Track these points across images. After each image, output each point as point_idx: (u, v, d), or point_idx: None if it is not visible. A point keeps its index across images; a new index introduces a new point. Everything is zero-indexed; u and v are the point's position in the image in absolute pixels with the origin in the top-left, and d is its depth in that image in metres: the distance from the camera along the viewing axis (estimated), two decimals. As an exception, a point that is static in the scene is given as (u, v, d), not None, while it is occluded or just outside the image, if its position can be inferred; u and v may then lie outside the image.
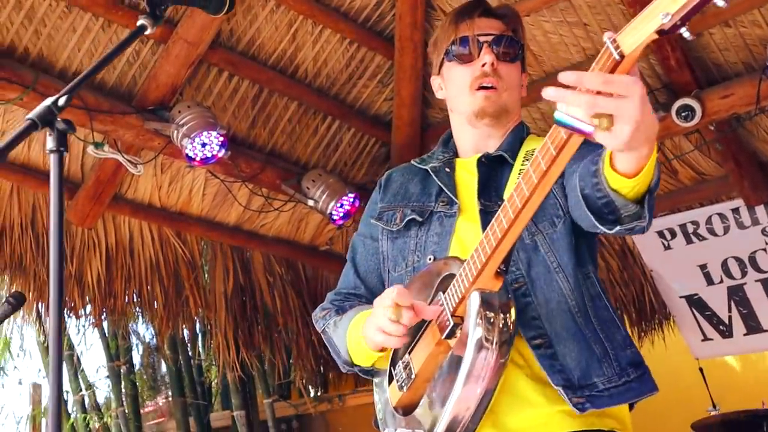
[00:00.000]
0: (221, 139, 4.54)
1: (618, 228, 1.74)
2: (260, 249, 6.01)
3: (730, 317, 6.18)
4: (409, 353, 1.95)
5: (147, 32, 1.97)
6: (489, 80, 2.14)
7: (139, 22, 1.98)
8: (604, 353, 1.96)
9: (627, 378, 1.96)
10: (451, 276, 1.86)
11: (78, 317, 5.50)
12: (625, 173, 1.61)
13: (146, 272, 5.53)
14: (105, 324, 6.88)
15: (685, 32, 1.34)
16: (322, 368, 6.77)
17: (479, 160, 2.17)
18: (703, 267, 6.16)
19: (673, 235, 6.13)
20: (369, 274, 2.25)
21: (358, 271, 2.28)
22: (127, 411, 7.37)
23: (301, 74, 5.28)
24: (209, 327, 6.12)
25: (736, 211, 5.91)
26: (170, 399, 7.66)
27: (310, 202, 5.29)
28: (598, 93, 1.40)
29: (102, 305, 5.41)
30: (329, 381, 7.61)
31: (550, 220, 2.03)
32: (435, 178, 2.20)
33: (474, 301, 1.76)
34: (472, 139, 2.24)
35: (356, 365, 2.12)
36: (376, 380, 2.12)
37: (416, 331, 1.95)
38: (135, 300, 5.57)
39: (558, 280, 2.00)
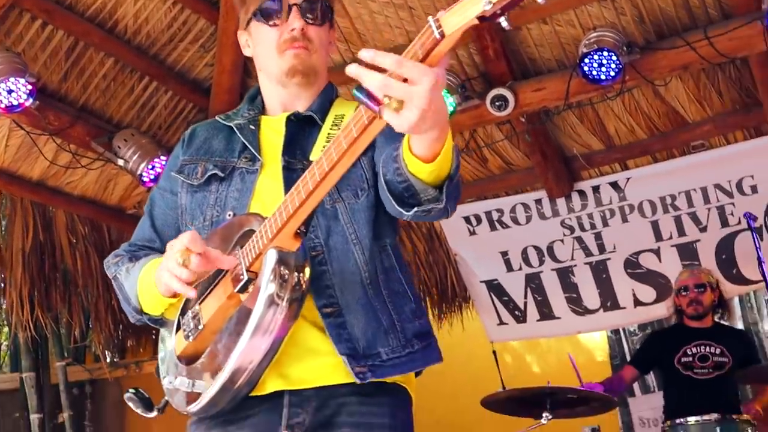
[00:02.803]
0: (29, 87, 4.30)
1: (415, 210, 1.74)
2: (64, 207, 5.72)
3: (525, 303, 6.34)
4: (200, 304, 1.90)
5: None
6: (297, 44, 2.09)
7: None
8: (391, 325, 1.96)
9: (411, 349, 1.96)
10: (251, 232, 1.83)
11: None
12: (421, 157, 1.63)
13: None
14: None
15: (503, 21, 1.35)
16: (120, 334, 6.55)
17: (288, 118, 2.12)
18: (504, 254, 6.29)
19: (479, 221, 6.24)
20: (166, 228, 2.16)
21: (154, 224, 2.19)
22: None
23: (120, 30, 5.04)
24: (3, 284, 5.80)
25: (539, 202, 6.09)
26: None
27: (120, 162, 5.08)
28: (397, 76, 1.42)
29: None
30: (127, 347, 7.39)
31: (353, 190, 2.01)
32: (239, 134, 2.14)
33: (270, 258, 1.74)
34: (281, 98, 2.19)
35: (145, 313, 2.04)
36: (162, 331, 2.06)
37: (210, 283, 1.91)
38: None
39: (354, 252, 1.98)
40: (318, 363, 1.91)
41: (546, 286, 6.26)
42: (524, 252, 6.24)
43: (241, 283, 1.78)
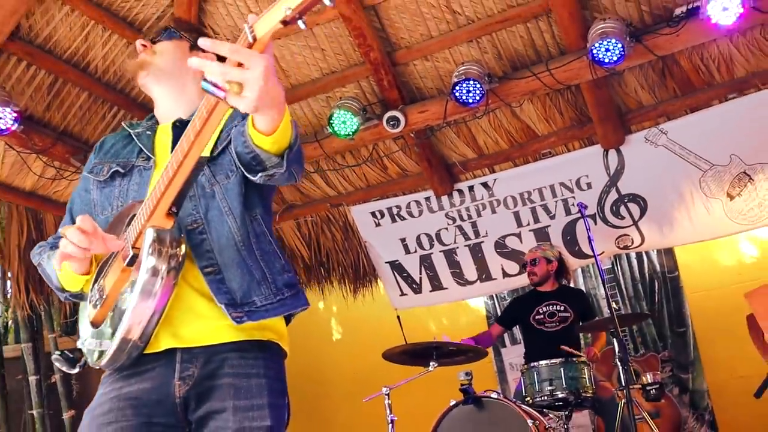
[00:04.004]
0: (15, 114, 4.18)
1: (260, 175, 1.71)
2: (52, 212, 5.55)
3: (420, 278, 6.36)
4: (103, 279, 1.85)
5: None
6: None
7: None
8: (263, 277, 1.92)
9: (282, 296, 1.93)
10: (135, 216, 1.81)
11: None
12: (263, 131, 1.59)
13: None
14: None
15: (301, 24, 1.31)
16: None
17: (174, 124, 2.09)
18: (403, 240, 6.30)
19: (382, 215, 6.25)
20: None
21: (74, 219, 2.09)
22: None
23: (92, 69, 4.91)
24: (3, 274, 5.67)
25: (428, 199, 6.11)
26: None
27: (93, 175, 4.96)
28: (237, 64, 1.38)
29: None
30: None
31: (225, 173, 1.96)
32: (136, 140, 2.10)
33: (148, 235, 1.71)
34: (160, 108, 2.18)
35: (67, 290, 1.99)
36: (81, 303, 2.00)
37: (108, 261, 1.87)
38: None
39: (228, 222, 1.93)
40: (205, 325, 1.86)
41: (436, 265, 6.28)
42: (418, 238, 6.25)
43: (129, 258, 1.74)
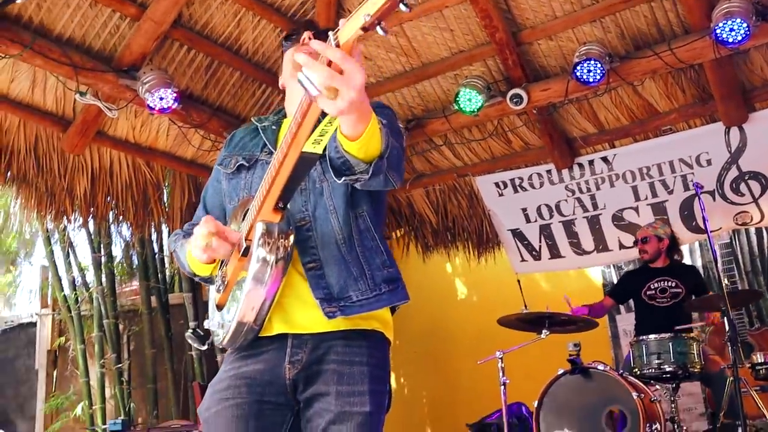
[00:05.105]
0: (174, 95, 4.46)
1: (343, 178, 1.69)
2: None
3: (540, 246, 6.37)
4: (226, 267, 1.90)
5: None
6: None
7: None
8: (361, 273, 1.92)
9: (378, 292, 1.92)
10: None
11: (69, 221, 5.40)
12: (348, 136, 1.57)
13: (122, 190, 5.46)
14: (91, 226, 6.83)
15: (380, 30, 1.29)
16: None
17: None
18: (524, 210, 6.31)
19: (505, 186, 6.27)
20: (214, 208, 2.14)
21: (206, 206, 2.18)
22: (105, 289, 7.35)
23: (244, 51, 5.19)
24: (168, 232, 6.09)
25: (549, 172, 6.08)
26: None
27: (244, 147, 5.24)
28: (333, 65, 1.36)
29: (87, 213, 5.35)
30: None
31: None
32: (262, 134, 2.11)
33: (257, 229, 1.74)
34: (292, 104, 2.13)
35: (197, 275, 2.03)
36: (210, 287, 2.06)
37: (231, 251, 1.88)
38: (112, 209, 5.51)
39: (332, 220, 1.94)
40: (314, 314, 1.88)
41: (555, 234, 6.27)
42: (538, 209, 6.25)
43: (242, 249, 1.79)
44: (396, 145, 1.74)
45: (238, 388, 1.88)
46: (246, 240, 1.79)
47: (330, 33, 1.36)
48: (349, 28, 1.33)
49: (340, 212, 1.96)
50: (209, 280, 2.01)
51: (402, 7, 1.25)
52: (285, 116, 2.19)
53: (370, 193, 1.99)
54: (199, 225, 1.83)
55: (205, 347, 2.09)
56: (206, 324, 2.00)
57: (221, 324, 1.90)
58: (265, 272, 1.74)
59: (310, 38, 1.93)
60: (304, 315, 1.90)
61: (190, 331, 2.09)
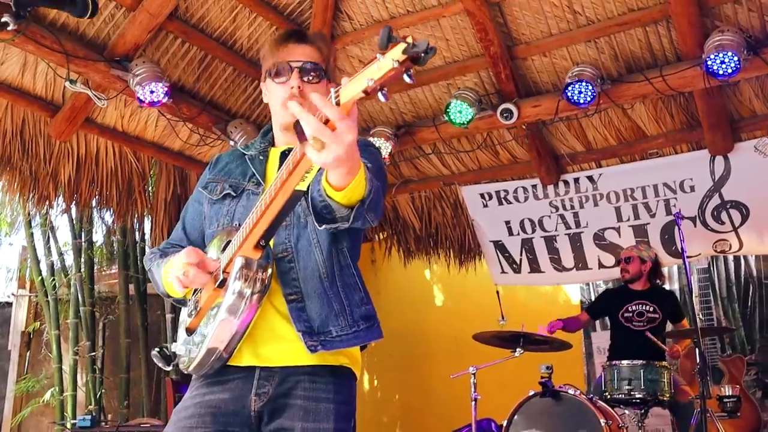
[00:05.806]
0: (165, 89, 4.39)
1: (324, 225, 1.70)
2: (196, 171, 5.84)
3: (520, 259, 6.35)
4: (201, 293, 1.88)
5: (9, 28, 1.89)
6: (296, 100, 1.91)
7: (3, 19, 1.89)
8: (342, 309, 1.91)
9: (357, 328, 1.92)
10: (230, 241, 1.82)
11: (51, 207, 5.30)
12: (333, 186, 1.58)
13: (107, 178, 5.36)
14: (73, 212, 6.73)
15: (381, 96, 1.28)
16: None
17: (282, 153, 2.06)
18: (507, 222, 6.29)
19: (490, 197, 6.24)
20: (193, 230, 2.12)
21: (185, 227, 2.15)
22: (84, 276, 7.24)
23: (238, 47, 5.11)
24: (151, 222, 6.01)
25: (534, 186, 6.06)
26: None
27: (232, 143, 5.19)
28: (326, 119, 1.37)
29: (71, 199, 5.26)
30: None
31: None
32: (250, 164, 2.07)
33: (237, 263, 1.74)
34: (284, 138, 2.11)
35: (170, 296, 2.01)
36: (183, 308, 2.04)
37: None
38: (96, 197, 5.42)
39: (315, 253, 1.92)
40: (284, 347, 1.87)
41: (536, 249, 6.25)
42: (522, 222, 6.23)
43: (219, 281, 1.77)
44: (377, 185, 1.72)
45: (202, 417, 1.86)
46: (223, 272, 1.77)
47: (332, 89, 1.36)
48: (351, 89, 1.33)
49: (324, 246, 1.94)
50: (182, 302, 2.00)
51: (406, 78, 1.25)
52: (270, 144, 2.15)
53: (349, 230, 1.92)
54: (184, 255, 1.80)
55: (170, 368, 2.04)
56: (173, 347, 1.97)
57: (189, 350, 1.89)
58: (240, 305, 1.75)
59: (300, 87, 1.98)
60: (274, 348, 1.88)
61: (157, 350, 2.03)
